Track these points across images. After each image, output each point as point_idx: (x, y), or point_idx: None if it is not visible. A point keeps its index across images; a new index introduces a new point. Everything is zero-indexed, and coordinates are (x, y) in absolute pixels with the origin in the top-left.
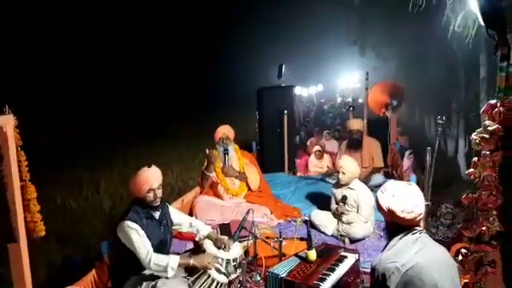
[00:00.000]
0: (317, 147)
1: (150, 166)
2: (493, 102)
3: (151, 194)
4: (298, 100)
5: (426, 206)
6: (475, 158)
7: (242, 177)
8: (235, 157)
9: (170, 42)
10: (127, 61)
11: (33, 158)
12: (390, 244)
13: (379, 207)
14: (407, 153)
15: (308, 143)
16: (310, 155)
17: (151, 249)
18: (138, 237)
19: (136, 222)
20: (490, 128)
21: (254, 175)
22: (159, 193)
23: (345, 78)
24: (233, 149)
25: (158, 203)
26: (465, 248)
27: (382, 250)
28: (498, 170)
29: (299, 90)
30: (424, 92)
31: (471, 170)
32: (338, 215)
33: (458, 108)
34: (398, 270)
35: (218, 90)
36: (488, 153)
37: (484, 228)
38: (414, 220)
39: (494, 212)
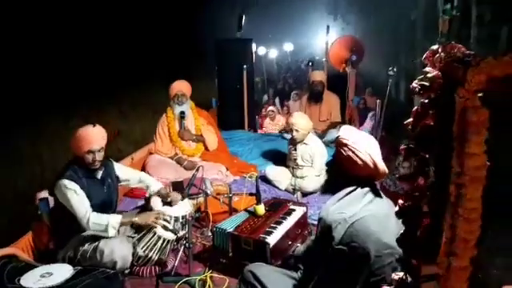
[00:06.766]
0: (270, 107)
1: (95, 125)
2: (435, 47)
3: (90, 156)
4: (266, 58)
5: None
6: (415, 108)
7: (198, 139)
8: (191, 118)
9: None
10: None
11: None
12: (337, 196)
13: (357, 158)
14: (370, 114)
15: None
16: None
17: (90, 209)
18: (75, 196)
19: (74, 181)
20: (429, 75)
21: (211, 136)
22: (99, 156)
23: (320, 39)
24: (189, 107)
25: (97, 166)
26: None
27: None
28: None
29: (271, 50)
30: (384, 47)
31: (410, 119)
32: (293, 168)
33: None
34: (344, 221)
35: (177, 42)
36: (427, 101)
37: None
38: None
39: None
